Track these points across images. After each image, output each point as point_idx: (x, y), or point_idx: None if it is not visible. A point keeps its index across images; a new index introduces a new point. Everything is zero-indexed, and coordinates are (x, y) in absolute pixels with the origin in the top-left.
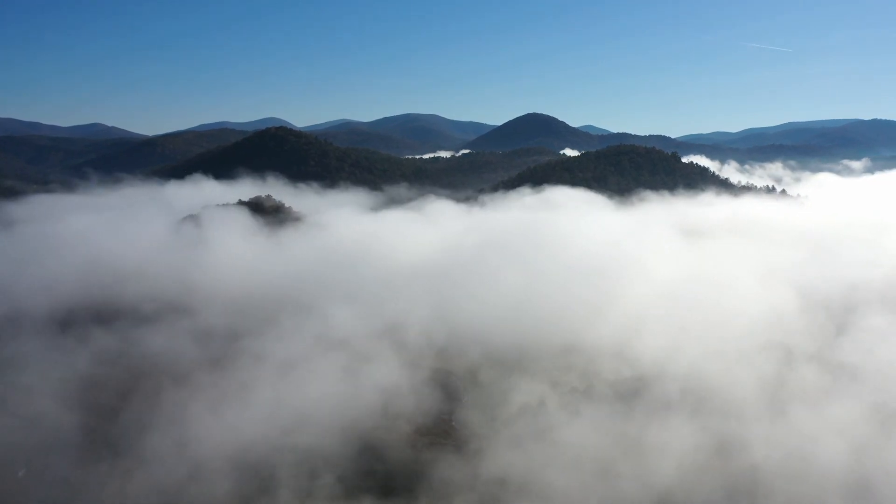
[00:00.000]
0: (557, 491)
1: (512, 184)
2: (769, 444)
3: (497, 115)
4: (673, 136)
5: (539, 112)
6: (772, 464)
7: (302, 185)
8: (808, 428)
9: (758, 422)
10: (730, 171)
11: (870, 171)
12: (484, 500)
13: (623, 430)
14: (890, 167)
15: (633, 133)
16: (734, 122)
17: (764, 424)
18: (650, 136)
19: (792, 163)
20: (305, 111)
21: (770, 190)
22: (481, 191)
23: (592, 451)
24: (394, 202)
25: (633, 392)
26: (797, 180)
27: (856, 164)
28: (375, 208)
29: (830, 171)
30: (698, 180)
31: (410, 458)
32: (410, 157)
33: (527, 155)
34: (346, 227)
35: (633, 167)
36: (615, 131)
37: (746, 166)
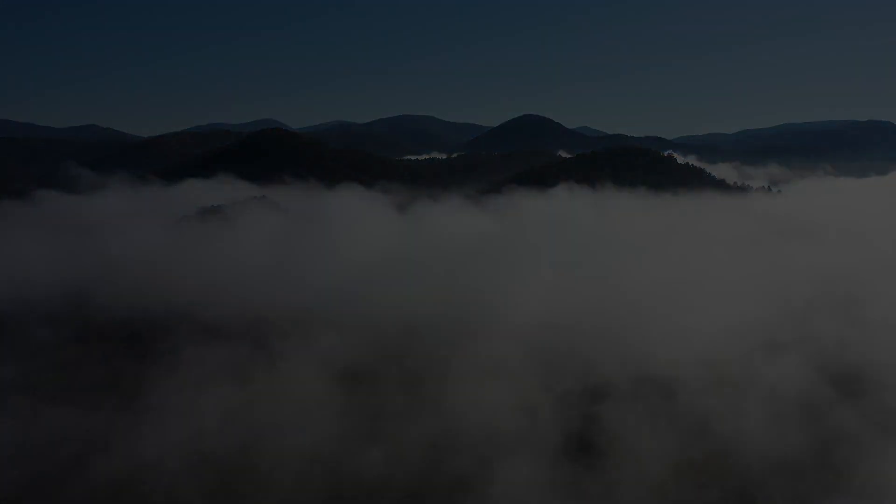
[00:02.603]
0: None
1: (507, 185)
2: (763, 443)
3: (493, 116)
4: (668, 138)
5: (534, 113)
6: (767, 464)
7: (296, 187)
8: (804, 428)
9: (753, 422)
10: (725, 172)
11: (865, 172)
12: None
13: (620, 430)
14: (885, 168)
15: (628, 134)
16: (730, 124)
17: (759, 424)
18: (646, 137)
19: (787, 164)
20: (300, 112)
21: (765, 190)
22: (476, 192)
23: (585, 449)
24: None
25: (630, 391)
26: (792, 181)
27: (851, 166)
28: (372, 209)
29: (825, 171)
30: (694, 181)
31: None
32: (405, 158)
33: (522, 156)
34: (338, 228)
35: (628, 168)
36: (611, 132)
37: (742, 167)
